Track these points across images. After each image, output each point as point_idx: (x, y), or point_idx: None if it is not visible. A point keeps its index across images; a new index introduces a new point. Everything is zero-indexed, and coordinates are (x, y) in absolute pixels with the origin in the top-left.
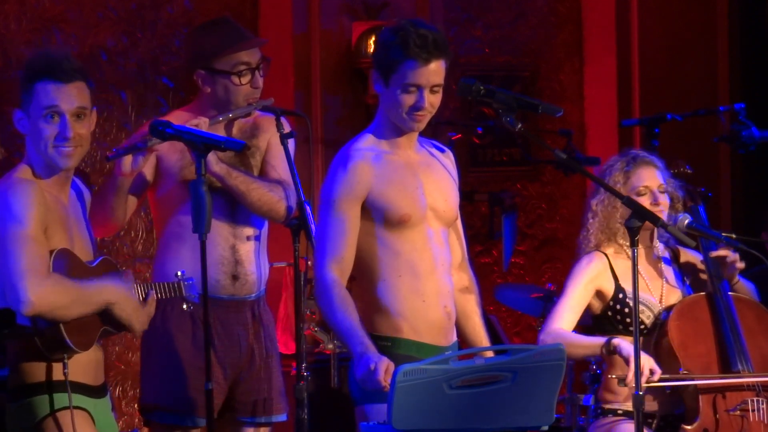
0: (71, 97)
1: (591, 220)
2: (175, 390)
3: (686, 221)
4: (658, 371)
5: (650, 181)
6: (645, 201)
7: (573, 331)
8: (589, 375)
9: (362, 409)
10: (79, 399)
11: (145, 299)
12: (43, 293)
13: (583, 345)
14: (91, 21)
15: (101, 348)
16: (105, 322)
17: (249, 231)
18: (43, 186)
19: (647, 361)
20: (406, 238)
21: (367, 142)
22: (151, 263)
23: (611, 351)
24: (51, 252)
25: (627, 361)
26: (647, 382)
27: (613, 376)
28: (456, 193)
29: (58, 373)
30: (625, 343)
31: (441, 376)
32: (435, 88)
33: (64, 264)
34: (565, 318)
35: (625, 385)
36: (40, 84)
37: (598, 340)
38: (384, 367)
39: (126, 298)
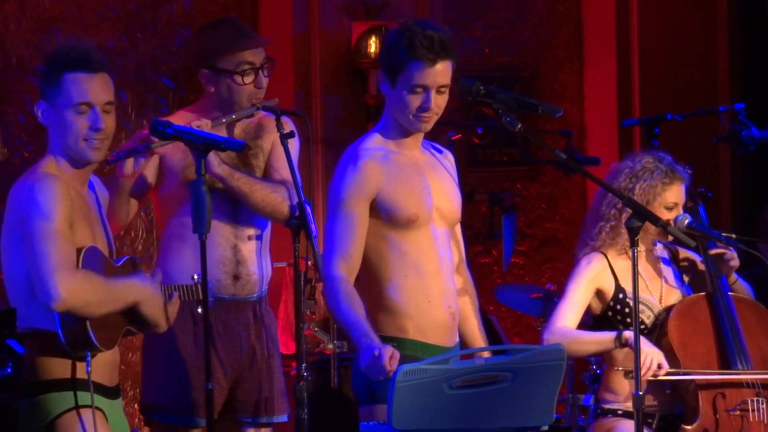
0: (101, 89)
1: (614, 221)
2: (176, 390)
3: (686, 221)
4: (666, 367)
5: (679, 197)
6: (671, 215)
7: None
8: (589, 375)
9: (366, 409)
10: (95, 399)
11: (169, 298)
12: (73, 289)
13: (592, 341)
14: (91, 21)
15: (118, 350)
16: (128, 322)
17: (251, 231)
18: (67, 180)
19: (657, 355)
20: (412, 239)
21: (375, 141)
22: (151, 263)
23: (623, 344)
24: (80, 249)
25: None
26: (654, 376)
27: (620, 369)
28: (458, 194)
29: (75, 371)
30: None
31: (441, 376)
32: (441, 89)
33: (95, 262)
34: (568, 317)
35: (632, 378)
36: (68, 75)
37: (608, 335)
38: (389, 354)
39: (152, 297)
